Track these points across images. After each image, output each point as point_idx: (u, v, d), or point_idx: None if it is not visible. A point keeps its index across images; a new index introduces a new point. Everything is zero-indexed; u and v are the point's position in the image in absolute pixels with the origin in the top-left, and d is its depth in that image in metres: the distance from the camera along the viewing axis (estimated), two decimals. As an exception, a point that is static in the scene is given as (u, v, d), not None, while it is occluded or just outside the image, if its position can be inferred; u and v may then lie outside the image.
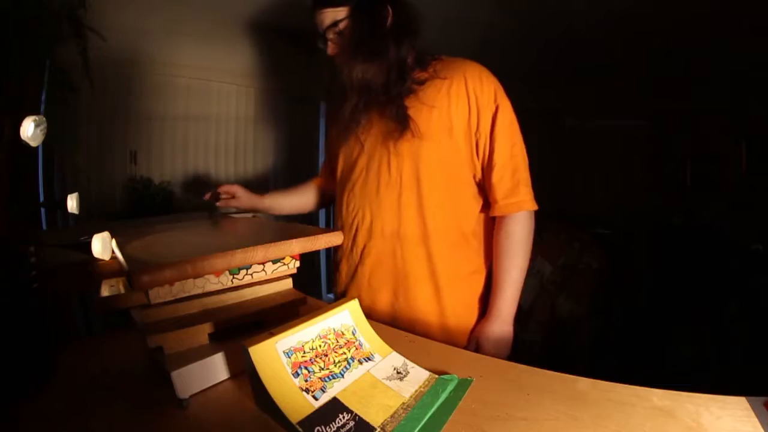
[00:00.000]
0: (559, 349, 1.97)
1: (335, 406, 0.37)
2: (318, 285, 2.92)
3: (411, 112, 0.75)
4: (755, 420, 0.36)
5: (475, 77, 0.75)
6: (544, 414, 0.38)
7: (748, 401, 0.38)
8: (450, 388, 0.41)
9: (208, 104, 2.13)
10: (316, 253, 2.84)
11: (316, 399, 0.37)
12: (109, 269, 0.52)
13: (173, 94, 1.97)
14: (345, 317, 0.47)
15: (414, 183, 0.76)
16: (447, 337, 0.76)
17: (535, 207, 0.77)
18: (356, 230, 0.81)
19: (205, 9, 1.96)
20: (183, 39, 1.93)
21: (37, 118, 0.42)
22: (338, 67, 0.77)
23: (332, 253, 0.92)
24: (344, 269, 0.85)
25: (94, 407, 0.40)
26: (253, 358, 0.37)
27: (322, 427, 0.34)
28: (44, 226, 1.30)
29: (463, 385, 0.42)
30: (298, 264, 0.55)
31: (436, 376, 0.43)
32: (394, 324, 0.67)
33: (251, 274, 0.50)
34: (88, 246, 0.49)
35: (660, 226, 2.71)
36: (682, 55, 2.28)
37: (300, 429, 0.33)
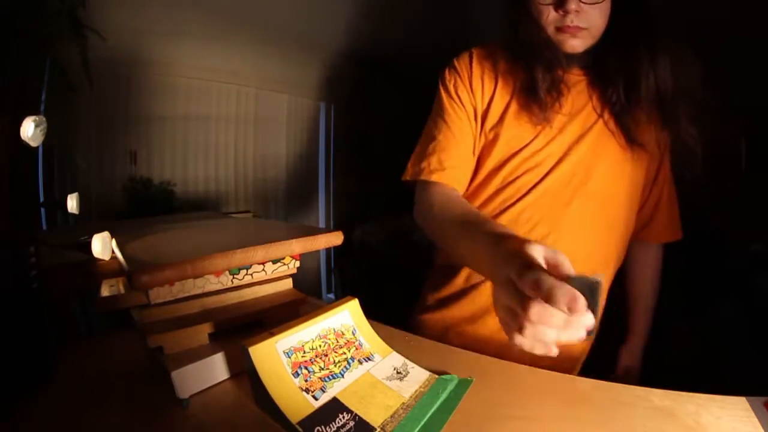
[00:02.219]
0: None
1: (335, 406, 0.37)
2: (318, 285, 2.92)
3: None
4: (755, 420, 0.36)
5: None
6: (544, 414, 0.38)
7: (748, 401, 0.38)
8: (450, 388, 0.41)
9: (208, 104, 2.13)
10: (317, 253, 2.84)
11: (316, 399, 0.37)
12: (109, 269, 0.52)
13: (173, 94, 1.97)
14: (345, 317, 0.47)
15: (618, 202, 0.62)
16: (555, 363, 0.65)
17: None
18: None
19: (205, 9, 1.96)
20: (183, 39, 1.93)
21: (37, 118, 0.42)
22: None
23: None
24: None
25: (94, 407, 0.40)
26: (253, 358, 0.37)
27: (322, 427, 0.34)
28: (44, 226, 1.30)
29: (463, 385, 0.42)
30: (298, 264, 0.55)
31: (436, 376, 0.43)
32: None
33: (251, 274, 0.50)
34: (88, 246, 0.49)
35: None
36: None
37: (300, 429, 0.33)
